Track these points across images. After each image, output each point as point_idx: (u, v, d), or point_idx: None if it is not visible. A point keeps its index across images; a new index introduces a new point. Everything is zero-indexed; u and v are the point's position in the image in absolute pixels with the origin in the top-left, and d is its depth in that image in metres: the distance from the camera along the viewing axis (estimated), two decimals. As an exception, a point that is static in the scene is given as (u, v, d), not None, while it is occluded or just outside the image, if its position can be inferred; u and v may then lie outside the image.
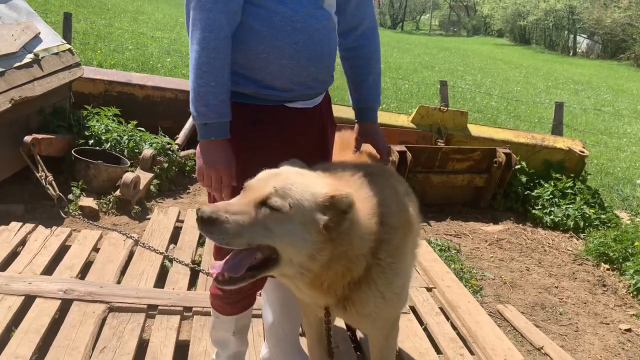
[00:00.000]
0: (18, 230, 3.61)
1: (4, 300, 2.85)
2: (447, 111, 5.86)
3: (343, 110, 5.99)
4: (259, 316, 2.82)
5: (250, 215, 1.55)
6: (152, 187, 4.84)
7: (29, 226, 3.69)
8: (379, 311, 1.92)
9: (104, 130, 5.04)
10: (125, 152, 5.03)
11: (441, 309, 3.38)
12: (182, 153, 5.48)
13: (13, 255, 3.36)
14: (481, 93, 13.51)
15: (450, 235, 5.07)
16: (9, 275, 3.06)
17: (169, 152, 5.22)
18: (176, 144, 5.41)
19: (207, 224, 1.51)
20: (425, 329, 3.15)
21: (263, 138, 2.01)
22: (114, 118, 5.34)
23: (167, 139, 5.36)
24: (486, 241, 4.97)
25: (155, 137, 5.30)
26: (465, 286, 3.88)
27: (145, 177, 4.69)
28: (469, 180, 5.62)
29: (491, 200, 5.72)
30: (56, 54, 4.92)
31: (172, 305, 2.98)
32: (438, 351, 2.98)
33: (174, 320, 2.91)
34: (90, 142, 4.91)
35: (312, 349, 2.30)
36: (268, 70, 1.94)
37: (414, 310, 3.33)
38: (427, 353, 2.90)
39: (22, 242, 3.52)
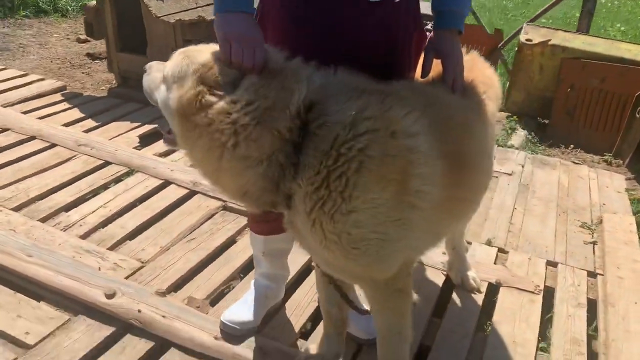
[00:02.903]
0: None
1: (147, 180, 3.23)
2: None
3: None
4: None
5: (161, 74, 1.55)
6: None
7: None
8: (326, 255, 1.50)
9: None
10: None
11: (591, 301, 2.53)
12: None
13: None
14: None
15: None
16: (162, 161, 3.43)
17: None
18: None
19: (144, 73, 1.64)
20: (551, 319, 2.41)
21: (309, 15, 1.63)
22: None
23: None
24: None
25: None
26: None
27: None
28: None
29: None
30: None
31: (276, 217, 2.94)
32: (544, 349, 2.27)
33: (271, 231, 2.87)
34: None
35: (319, 293, 1.98)
36: None
37: (550, 291, 2.58)
38: (523, 345, 2.22)
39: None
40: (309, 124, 1.40)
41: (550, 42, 4.90)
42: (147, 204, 3.02)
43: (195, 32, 4.28)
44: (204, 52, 1.50)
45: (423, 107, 1.50)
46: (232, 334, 2.12)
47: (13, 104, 4.05)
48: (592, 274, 2.73)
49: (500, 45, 5.83)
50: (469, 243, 2.91)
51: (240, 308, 2.19)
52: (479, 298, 2.49)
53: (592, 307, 2.52)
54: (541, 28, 5.20)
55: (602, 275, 2.69)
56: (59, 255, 2.45)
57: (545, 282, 2.64)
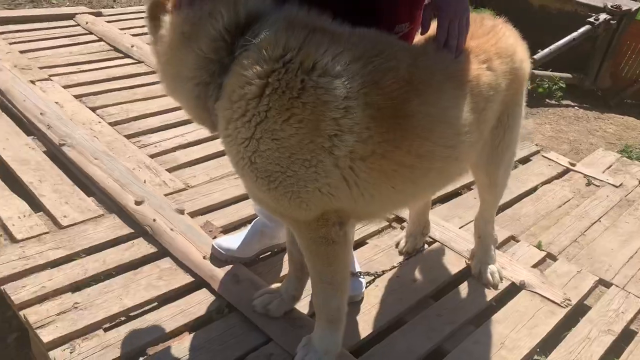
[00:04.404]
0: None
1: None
2: None
3: None
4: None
5: None
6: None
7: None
8: (244, 182, 1.61)
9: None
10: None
11: (632, 332, 2.15)
12: (537, 72, 4.82)
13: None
14: None
15: None
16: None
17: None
18: (532, 57, 4.75)
19: None
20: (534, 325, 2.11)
21: None
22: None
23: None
24: None
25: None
26: None
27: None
28: None
29: None
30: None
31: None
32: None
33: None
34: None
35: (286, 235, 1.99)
36: None
37: (585, 309, 2.24)
38: (511, 350, 1.98)
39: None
40: (236, 49, 1.43)
41: None
42: (218, 141, 3.25)
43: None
44: None
45: (365, 55, 1.43)
46: (217, 257, 2.24)
47: (159, 45, 4.60)
48: (605, 284, 2.32)
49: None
50: (517, 241, 2.64)
51: (234, 237, 2.29)
52: (492, 294, 2.27)
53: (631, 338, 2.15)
54: None
55: (618, 286, 2.27)
56: (118, 163, 2.79)
57: (583, 300, 2.31)
